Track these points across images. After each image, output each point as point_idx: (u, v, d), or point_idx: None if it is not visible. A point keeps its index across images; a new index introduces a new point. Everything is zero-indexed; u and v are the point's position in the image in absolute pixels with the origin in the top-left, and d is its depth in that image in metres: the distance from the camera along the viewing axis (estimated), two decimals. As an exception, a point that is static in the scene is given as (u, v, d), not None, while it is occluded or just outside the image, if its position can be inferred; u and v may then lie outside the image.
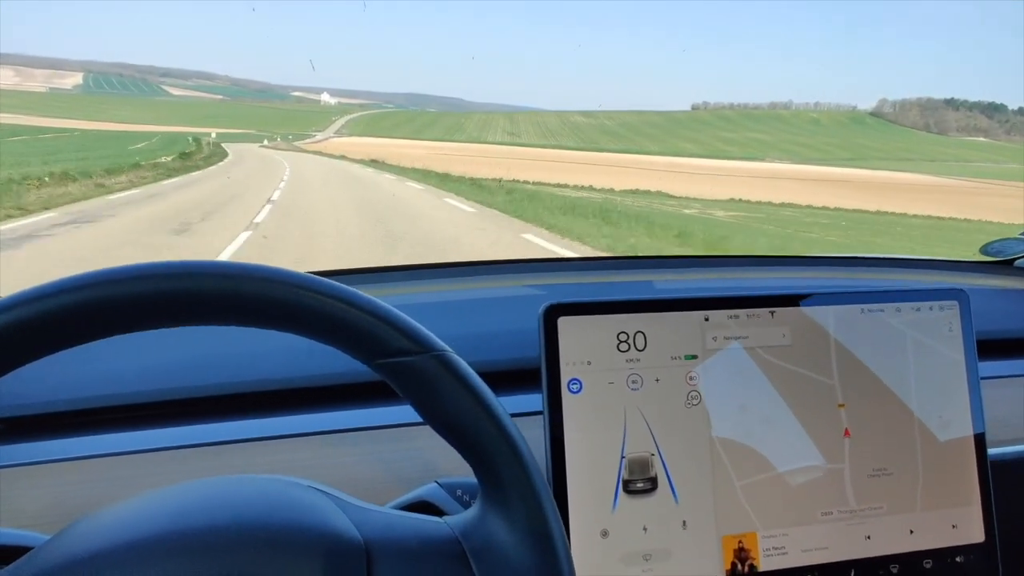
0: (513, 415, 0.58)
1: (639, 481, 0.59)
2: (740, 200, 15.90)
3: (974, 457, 0.66)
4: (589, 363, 0.59)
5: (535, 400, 0.60)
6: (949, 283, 0.97)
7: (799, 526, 0.61)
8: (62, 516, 0.56)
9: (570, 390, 0.59)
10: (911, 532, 0.63)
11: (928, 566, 0.64)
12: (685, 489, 0.59)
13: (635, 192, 16.43)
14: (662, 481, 0.59)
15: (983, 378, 0.71)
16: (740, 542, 0.60)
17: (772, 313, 0.63)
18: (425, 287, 1.00)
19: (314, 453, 0.64)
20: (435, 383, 0.42)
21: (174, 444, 0.63)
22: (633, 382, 0.60)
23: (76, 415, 0.67)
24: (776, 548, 0.60)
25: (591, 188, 17.11)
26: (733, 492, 0.60)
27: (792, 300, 0.64)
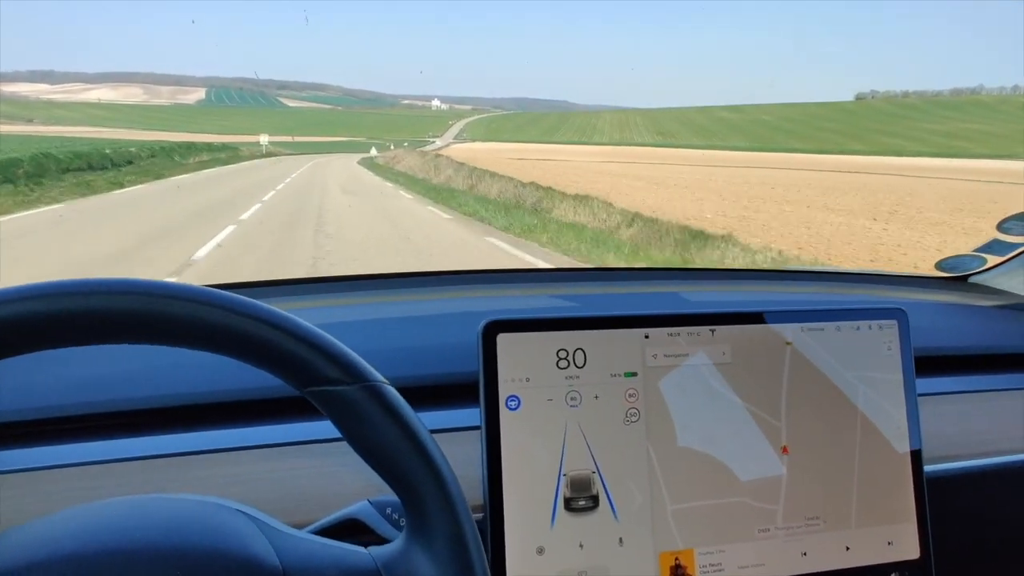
0: (450, 430, 0.61)
1: (581, 499, 0.62)
2: None
3: (910, 474, 0.69)
4: (528, 380, 0.63)
5: (473, 415, 0.64)
6: (895, 299, 1.04)
7: (736, 543, 0.64)
8: None
9: (508, 407, 0.62)
10: (847, 548, 0.66)
11: None
12: (624, 506, 0.63)
13: None
14: (602, 499, 0.62)
15: (932, 394, 0.74)
16: (677, 559, 0.63)
17: (712, 331, 0.66)
18: (366, 299, 1.05)
19: (247, 467, 0.67)
20: (365, 414, 0.43)
21: (102, 458, 0.65)
22: (572, 399, 0.63)
23: (7, 427, 0.69)
24: (713, 565, 0.64)
25: None
26: (670, 509, 0.64)
27: (732, 318, 0.67)
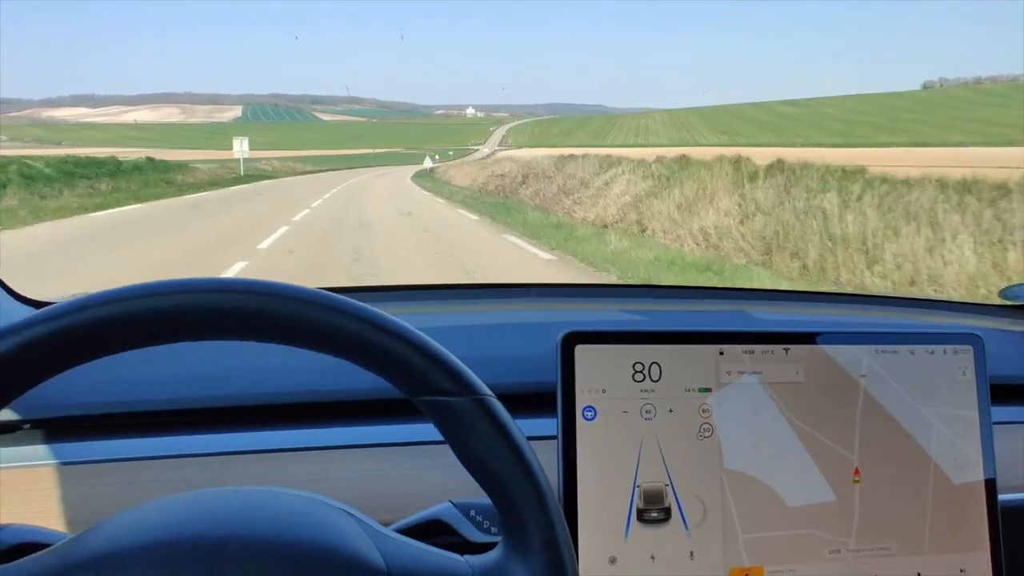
0: (527, 438, 0.71)
1: (654, 511, 0.64)
2: None
3: (984, 502, 0.69)
4: (604, 391, 0.64)
5: (549, 424, 0.66)
6: (966, 326, 1.06)
7: (806, 563, 0.65)
8: (85, 517, 0.61)
9: (584, 417, 0.63)
10: (919, 575, 0.67)
11: None
12: (695, 520, 0.64)
13: None
14: (674, 511, 0.64)
15: (1001, 423, 0.76)
16: (747, 575, 0.65)
17: (787, 350, 0.68)
18: (446, 307, 1.08)
19: (333, 466, 0.70)
20: (473, 426, 0.45)
21: (201, 451, 0.69)
22: (647, 412, 0.65)
23: (104, 419, 0.73)
24: None
25: None
26: (741, 537, 0.65)
27: (807, 338, 0.68)
